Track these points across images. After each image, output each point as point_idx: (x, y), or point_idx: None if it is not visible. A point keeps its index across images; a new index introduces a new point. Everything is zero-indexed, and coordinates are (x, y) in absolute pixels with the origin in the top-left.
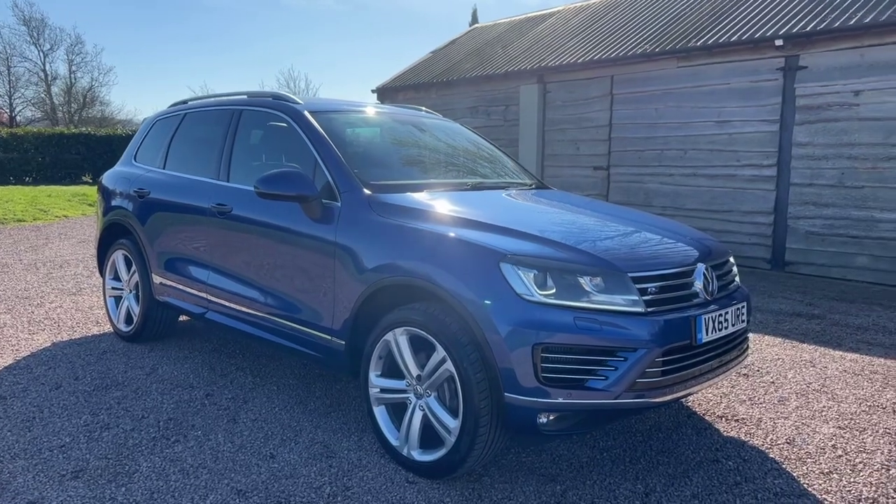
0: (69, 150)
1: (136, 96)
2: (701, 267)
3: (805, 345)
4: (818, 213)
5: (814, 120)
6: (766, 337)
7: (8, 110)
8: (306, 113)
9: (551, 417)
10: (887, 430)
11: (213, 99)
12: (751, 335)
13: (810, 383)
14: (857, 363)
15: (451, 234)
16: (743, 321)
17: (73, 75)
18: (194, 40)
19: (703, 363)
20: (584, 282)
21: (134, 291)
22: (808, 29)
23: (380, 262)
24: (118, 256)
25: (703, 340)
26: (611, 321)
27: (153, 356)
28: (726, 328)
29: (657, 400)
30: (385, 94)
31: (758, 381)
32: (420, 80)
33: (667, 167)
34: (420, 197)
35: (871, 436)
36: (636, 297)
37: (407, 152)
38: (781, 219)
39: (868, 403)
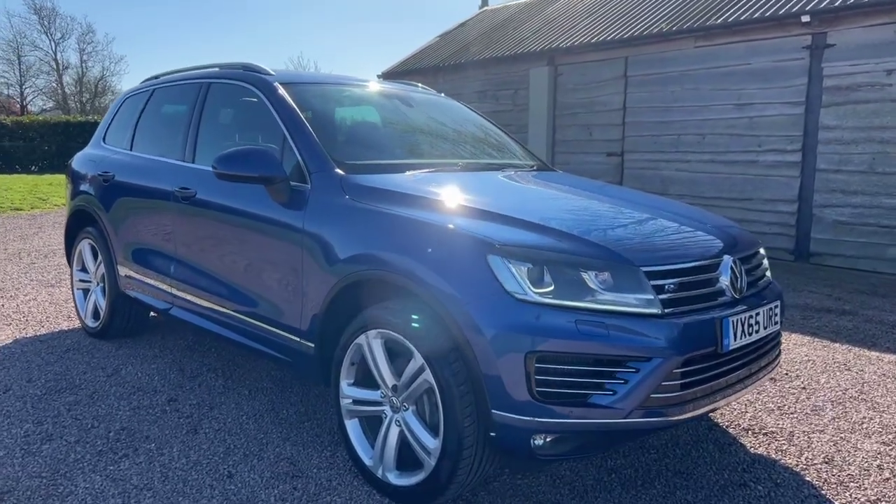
0: (76, 138)
1: None
2: (728, 260)
3: (837, 344)
4: (846, 202)
5: (842, 102)
6: (794, 335)
7: (19, 100)
8: (277, 85)
9: (548, 439)
10: None
11: (183, 72)
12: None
13: (846, 389)
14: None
15: (433, 221)
16: (776, 323)
17: (84, 64)
18: (204, 25)
19: (731, 373)
20: (589, 277)
21: (101, 284)
22: (836, 4)
23: (352, 252)
24: (84, 246)
25: (731, 347)
26: (620, 325)
27: (119, 355)
28: (757, 332)
29: (675, 418)
30: (391, 78)
31: (787, 386)
32: (427, 65)
33: (683, 153)
34: (400, 179)
35: None
36: (651, 297)
37: (390, 130)
38: (806, 207)
39: None
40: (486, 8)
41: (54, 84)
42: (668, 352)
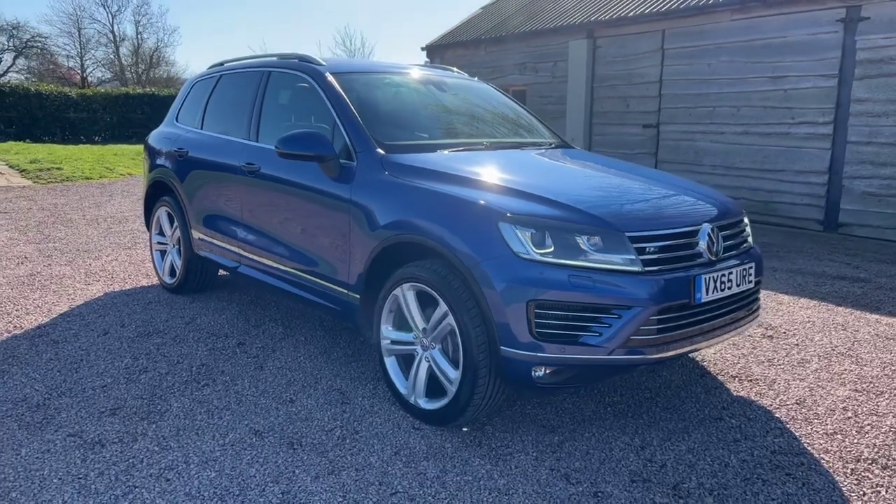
0: (135, 109)
1: (199, 56)
2: (706, 227)
3: (841, 308)
4: (876, 173)
5: (874, 74)
6: (802, 300)
7: (80, 71)
8: (327, 74)
9: (546, 371)
10: None
11: (245, 61)
12: (785, 298)
13: (836, 346)
14: (892, 327)
15: (454, 194)
16: (750, 282)
17: (139, 36)
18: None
19: (704, 322)
20: (582, 241)
21: (177, 246)
22: None
23: (389, 219)
24: (162, 213)
25: (703, 300)
26: (606, 279)
27: (193, 307)
28: (730, 288)
29: (653, 357)
30: (434, 51)
31: (781, 342)
32: (469, 37)
33: (718, 125)
34: (431, 157)
35: (887, 400)
36: (633, 257)
37: (425, 113)
38: (836, 178)
39: (893, 367)
40: None
41: (112, 56)
42: (646, 302)
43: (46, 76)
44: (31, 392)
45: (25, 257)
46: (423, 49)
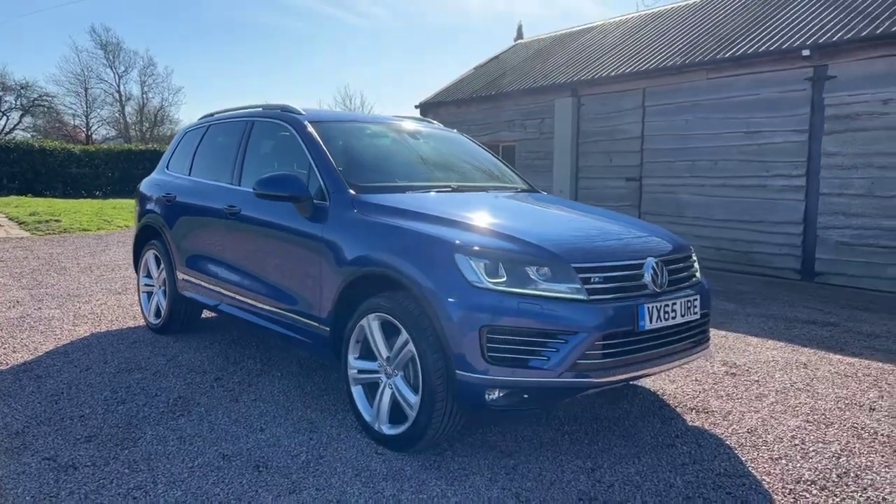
0: (137, 165)
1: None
2: (651, 261)
3: (806, 349)
4: (848, 223)
5: (842, 129)
6: (770, 341)
7: (85, 129)
8: (306, 122)
9: (499, 394)
10: (854, 426)
11: (233, 111)
12: (754, 339)
13: (794, 382)
14: (852, 366)
15: (416, 229)
16: (696, 313)
17: (145, 95)
18: (255, 59)
19: (648, 349)
20: (531, 271)
21: (163, 287)
22: (835, 39)
23: (356, 254)
24: (150, 256)
25: (646, 328)
26: (553, 307)
27: (176, 345)
28: (673, 318)
29: (598, 380)
30: (428, 109)
31: (742, 379)
32: (461, 96)
33: (697, 177)
34: (398, 196)
35: (835, 429)
36: (578, 286)
37: (397, 158)
38: (811, 229)
39: (846, 402)
40: (519, 41)
41: (117, 114)
42: (590, 328)
43: (52, 133)
44: (12, 420)
45: (17, 301)
46: (416, 107)
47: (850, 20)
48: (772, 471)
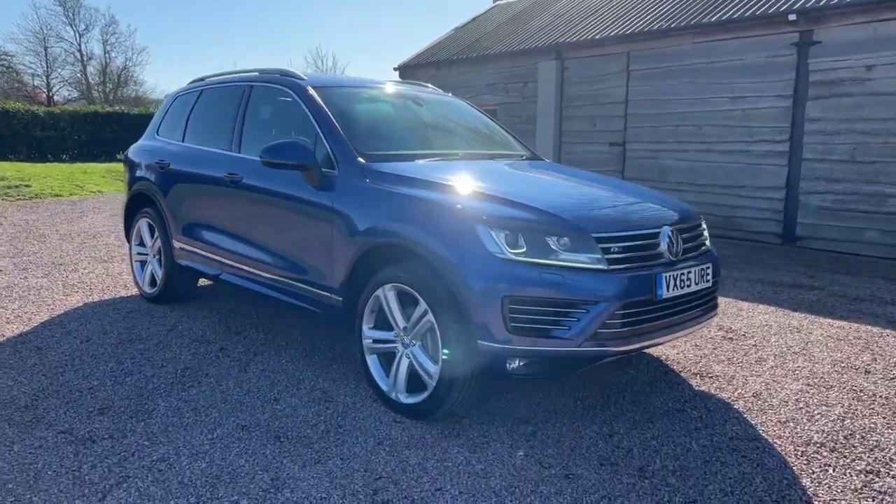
0: (104, 128)
1: (169, 76)
2: (666, 230)
3: (796, 313)
4: (829, 189)
5: (826, 95)
6: (760, 306)
7: (46, 89)
8: (309, 88)
9: (520, 363)
10: (853, 388)
11: (227, 76)
12: (745, 304)
13: (791, 346)
14: (843, 329)
15: (434, 199)
16: (708, 281)
17: (107, 55)
18: (223, 18)
19: (665, 318)
20: (552, 241)
21: (157, 256)
22: (821, 4)
23: (370, 224)
24: (142, 224)
25: (664, 297)
26: (574, 277)
27: (174, 315)
28: (688, 286)
29: (618, 349)
30: (406, 71)
31: (740, 344)
32: (441, 58)
33: (681, 143)
34: (410, 165)
35: (836, 392)
36: (599, 256)
37: (403, 125)
38: (793, 194)
39: (842, 364)
40: (498, 2)
41: (79, 74)
42: (611, 297)
43: (11, 94)
44: (18, 394)
45: (0, 270)
46: (395, 69)
47: None
48: (782, 434)
